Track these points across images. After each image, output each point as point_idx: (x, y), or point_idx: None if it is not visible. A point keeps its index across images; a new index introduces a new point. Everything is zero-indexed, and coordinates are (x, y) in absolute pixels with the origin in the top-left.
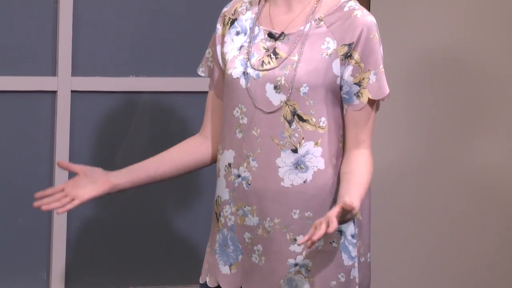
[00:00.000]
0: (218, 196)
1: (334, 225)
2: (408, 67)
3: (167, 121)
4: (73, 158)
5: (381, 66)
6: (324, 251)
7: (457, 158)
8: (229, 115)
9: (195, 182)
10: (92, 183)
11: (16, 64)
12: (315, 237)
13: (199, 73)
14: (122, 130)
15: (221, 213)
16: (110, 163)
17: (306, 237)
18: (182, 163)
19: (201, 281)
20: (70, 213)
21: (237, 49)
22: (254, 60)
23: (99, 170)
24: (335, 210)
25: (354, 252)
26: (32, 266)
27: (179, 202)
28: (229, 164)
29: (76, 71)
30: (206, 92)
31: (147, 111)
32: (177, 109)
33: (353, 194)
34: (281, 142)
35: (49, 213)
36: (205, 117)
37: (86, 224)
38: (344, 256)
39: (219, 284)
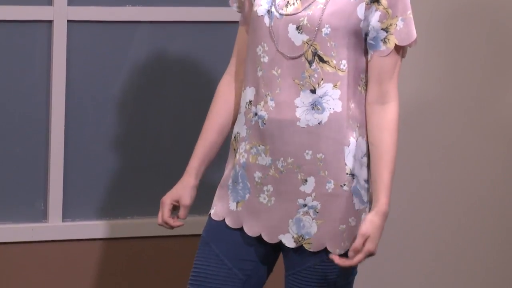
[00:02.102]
0: (238, 132)
1: (353, 261)
2: (431, 15)
3: (164, 51)
4: (69, 89)
5: (409, 11)
6: (335, 194)
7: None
8: (253, 52)
9: (199, 112)
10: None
11: None
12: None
13: (233, 7)
14: (119, 61)
15: (238, 150)
16: (106, 94)
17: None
18: (230, 112)
19: (210, 212)
20: (66, 143)
21: None
22: (280, 0)
23: (185, 192)
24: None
25: (366, 197)
26: (29, 196)
27: (182, 131)
28: (250, 102)
29: (72, 0)
30: (204, 22)
31: (145, 41)
32: (175, 39)
33: (380, 192)
34: (301, 82)
35: (46, 143)
36: (233, 53)
37: (84, 154)
38: (356, 200)
39: (224, 218)
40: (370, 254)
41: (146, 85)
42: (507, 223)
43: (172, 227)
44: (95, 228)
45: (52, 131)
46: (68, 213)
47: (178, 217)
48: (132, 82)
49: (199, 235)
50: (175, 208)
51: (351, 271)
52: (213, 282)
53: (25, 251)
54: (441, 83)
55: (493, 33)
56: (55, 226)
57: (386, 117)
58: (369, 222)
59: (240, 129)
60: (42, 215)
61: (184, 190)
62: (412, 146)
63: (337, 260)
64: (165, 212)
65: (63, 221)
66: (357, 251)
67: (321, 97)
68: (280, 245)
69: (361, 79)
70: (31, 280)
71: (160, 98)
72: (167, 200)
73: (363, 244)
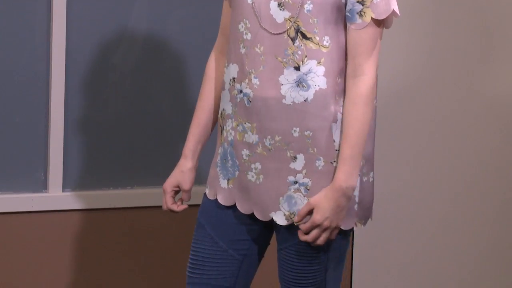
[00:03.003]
0: (223, 109)
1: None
2: None
3: (165, 20)
4: (69, 59)
5: None
6: (325, 171)
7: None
8: (235, 29)
9: (199, 81)
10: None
11: None
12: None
13: None
14: (119, 30)
15: (224, 127)
16: (106, 64)
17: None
18: (220, 90)
19: (205, 192)
20: (66, 113)
21: None
22: None
23: (183, 176)
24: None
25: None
26: (29, 166)
27: (183, 101)
28: (233, 78)
29: None
30: None
31: (145, 10)
32: (175, 7)
33: (338, 166)
34: (284, 60)
35: (46, 113)
36: (220, 28)
37: (84, 124)
38: None
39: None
40: (317, 226)
41: (146, 54)
42: (496, 204)
43: (177, 212)
44: (95, 198)
45: (52, 101)
46: (68, 183)
47: (182, 201)
48: (132, 51)
49: (198, 204)
50: (177, 192)
51: (341, 243)
52: (210, 265)
53: (25, 221)
54: (424, 64)
55: (477, 12)
56: (55, 196)
57: (355, 91)
58: (321, 194)
59: (226, 106)
60: (42, 185)
61: (182, 175)
62: (394, 128)
63: (300, 235)
64: (167, 199)
65: (63, 191)
66: (299, 217)
67: (306, 74)
68: (272, 222)
69: (346, 56)
70: (31, 250)
71: (161, 68)
72: (168, 187)
73: (312, 214)
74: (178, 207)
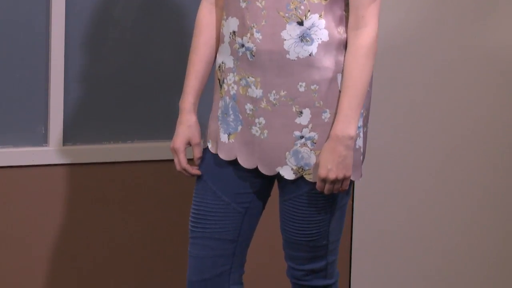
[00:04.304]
0: (222, 62)
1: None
2: None
3: None
4: (69, 12)
5: None
6: (331, 123)
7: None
8: None
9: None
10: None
11: None
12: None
13: None
14: None
15: (225, 80)
16: (106, 17)
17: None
18: (217, 42)
19: (203, 146)
20: (66, 67)
21: None
22: None
23: (192, 131)
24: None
25: (360, 122)
26: (30, 120)
27: (183, 54)
28: (234, 32)
29: None
30: None
31: None
32: None
33: (336, 117)
34: (286, 15)
35: (46, 67)
36: None
37: (84, 78)
38: None
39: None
40: (325, 180)
41: (146, 8)
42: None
43: (191, 175)
44: (95, 152)
45: (52, 55)
46: (68, 137)
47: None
48: (133, 5)
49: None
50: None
51: (346, 191)
52: (213, 219)
53: (25, 175)
54: (425, 15)
55: None
56: (55, 150)
57: (356, 42)
58: (321, 151)
59: (226, 59)
60: (42, 139)
61: (190, 129)
62: (396, 81)
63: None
64: (182, 158)
65: (63, 145)
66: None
67: (309, 29)
68: (276, 175)
69: (346, 4)
70: (32, 204)
71: (161, 21)
72: (181, 145)
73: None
74: (193, 170)
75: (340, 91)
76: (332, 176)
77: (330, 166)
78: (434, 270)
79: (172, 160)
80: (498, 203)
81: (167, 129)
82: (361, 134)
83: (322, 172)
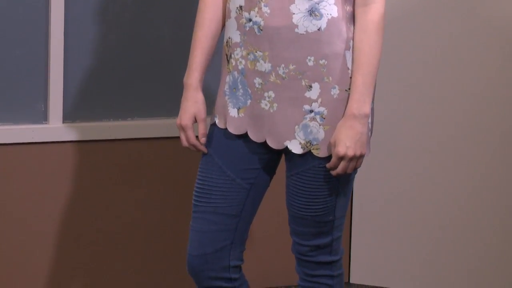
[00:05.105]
0: (229, 38)
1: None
2: None
3: None
4: None
5: None
6: (340, 99)
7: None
8: None
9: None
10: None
11: None
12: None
13: None
14: None
15: (232, 55)
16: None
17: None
18: (223, 17)
19: (210, 122)
20: (66, 44)
21: None
22: None
23: (198, 107)
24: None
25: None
26: (29, 97)
27: (183, 32)
28: (240, 7)
29: None
30: None
31: None
32: None
33: (350, 95)
34: None
35: (46, 44)
36: None
37: (84, 56)
38: None
39: (226, 127)
40: (342, 158)
41: None
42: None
43: (199, 150)
44: (95, 130)
45: (52, 32)
46: (68, 115)
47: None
48: None
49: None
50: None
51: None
52: (218, 193)
53: (25, 152)
54: None
55: None
56: (55, 128)
57: (366, 18)
58: (337, 129)
59: (233, 34)
60: (42, 117)
61: (197, 106)
62: (398, 49)
63: (332, 172)
64: (190, 135)
65: (63, 122)
66: (331, 166)
67: (318, 3)
68: (284, 150)
69: None
70: (31, 181)
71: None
72: (188, 121)
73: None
74: (202, 146)
75: (348, 68)
76: (350, 153)
77: (349, 144)
78: (432, 248)
79: (173, 137)
80: (498, 177)
81: (167, 106)
82: (372, 111)
83: (341, 150)
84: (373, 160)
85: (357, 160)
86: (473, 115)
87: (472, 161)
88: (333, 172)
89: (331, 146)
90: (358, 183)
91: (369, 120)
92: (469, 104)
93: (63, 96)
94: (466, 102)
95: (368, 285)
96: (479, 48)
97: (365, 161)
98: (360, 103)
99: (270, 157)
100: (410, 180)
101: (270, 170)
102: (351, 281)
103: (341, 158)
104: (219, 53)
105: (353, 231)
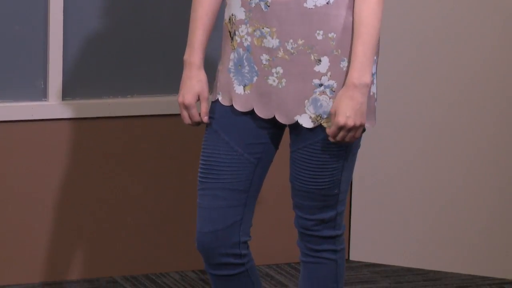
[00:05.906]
0: (232, 14)
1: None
2: None
3: None
4: None
5: None
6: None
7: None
8: None
9: None
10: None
11: None
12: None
13: None
14: None
15: (236, 32)
16: None
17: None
18: None
19: (213, 99)
20: (65, 21)
21: None
22: None
23: (201, 86)
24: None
25: (374, 68)
26: (29, 75)
27: (181, 10)
28: None
29: None
30: None
31: None
32: None
33: (351, 64)
34: None
35: (45, 21)
36: None
37: (83, 33)
38: None
39: (232, 104)
40: (342, 128)
41: None
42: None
43: (203, 123)
44: (94, 107)
45: (51, 9)
46: (67, 92)
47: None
48: None
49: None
50: None
51: (358, 141)
52: (226, 169)
53: (25, 129)
54: None
55: None
56: (54, 105)
57: None
58: (337, 98)
59: (236, 11)
60: (42, 94)
61: (201, 84)
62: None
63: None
64: (194, 113)
65: (63, 99)
66: (332, 137)
67: None
68: (290, 124)
69: None
70: (31, 159)
71: None
72: (192, 100)
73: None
74: (205, 118)
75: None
76: (350, 123)
77: (349, 114)
78: (432, 226)
79: (172, 115)
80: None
81: (167, 83)
82: (375, 81)
83: (341, 120)
84: (374, 135)
85: (356, 130)
86: (476, 82)
87: (473, 134)
88: (332, 139)
89: (331, 115)
90: (358, 161)
91: (374, 90)
92: (469, 77)
93: (63, 73)
94: (466, 75)
95: (368, 262)
96: (479, 44)
97: (366, 142)
98: (360, 73)
99: (275, 131)
100: (410, 158)
101: (274, 145)
102: (350, 258)
103: (340, 128)
104: (219, 30)
105: (353, 208)
